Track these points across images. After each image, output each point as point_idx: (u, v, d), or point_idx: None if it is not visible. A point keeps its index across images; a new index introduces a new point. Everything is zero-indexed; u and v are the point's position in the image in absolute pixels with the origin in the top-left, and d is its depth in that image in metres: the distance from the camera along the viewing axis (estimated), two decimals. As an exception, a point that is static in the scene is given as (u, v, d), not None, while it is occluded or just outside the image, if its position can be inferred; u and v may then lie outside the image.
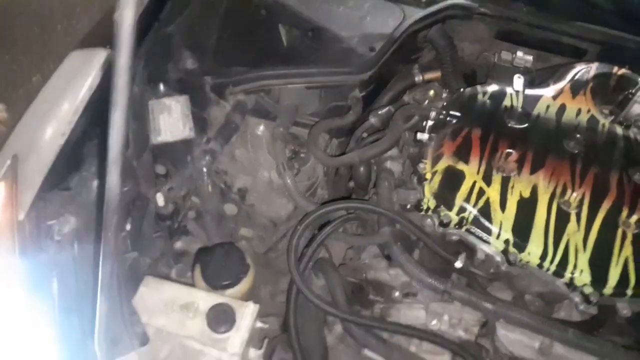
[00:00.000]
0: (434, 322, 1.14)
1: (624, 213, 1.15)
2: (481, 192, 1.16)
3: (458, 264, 1.15)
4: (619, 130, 1.29)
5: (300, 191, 1.36)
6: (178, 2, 1.41)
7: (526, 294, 1.16)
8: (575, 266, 1.09)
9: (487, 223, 1.14)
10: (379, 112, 1.45)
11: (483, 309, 1.11)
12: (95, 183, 1.13)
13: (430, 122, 1.30)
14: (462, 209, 1.15)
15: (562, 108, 1.31)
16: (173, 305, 1.08)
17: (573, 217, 1.14)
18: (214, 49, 1.48)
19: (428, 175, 1.22)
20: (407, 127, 1.37)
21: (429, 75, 1.55)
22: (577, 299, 1.10)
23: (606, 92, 1.37)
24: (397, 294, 1.19)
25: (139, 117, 1.31)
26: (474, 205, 1.15)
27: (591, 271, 1.08)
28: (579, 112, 1.31)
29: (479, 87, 1.36)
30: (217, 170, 1.42)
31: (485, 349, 1.14)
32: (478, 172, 1.19)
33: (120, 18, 0.70)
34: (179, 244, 1.37)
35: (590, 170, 1.20)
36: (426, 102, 1.46)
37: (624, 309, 1.08)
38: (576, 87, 1.35)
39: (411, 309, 1.16)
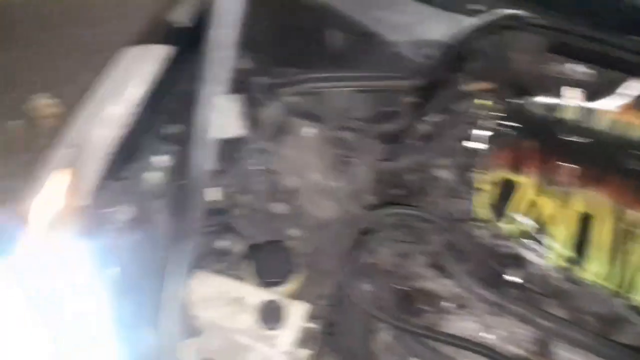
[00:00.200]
0: (486, 335, 1.11)
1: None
2: (537, 205, 1.14)
3: (510, 278, 1.13)
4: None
5: (347, 195, 1.35)
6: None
7: (583, 313, 1.14)
8: None
9: (542, 237, 1.12)
10: (430, 119, 1.44)
11: (539, 325, 1.08)
12: (149, 174, 1.15)
13: (485, 132, 1.29)
14: (516, 221, 1.13)
15: (625, 124, 1.28)
16: (223, 298, 1.08)
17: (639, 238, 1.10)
18: (265, 50, 1.49)
19: (482, 186, 1.20)
20: (459, 135, 1.36)
21: (481, 86, 1.53)
22: None
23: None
24: (446, 304, 1.17)
25: (187, 113, 1.32)
26: (529, 218, 1.13)
27: None
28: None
29: (535, 99, 1.35)
30: (266, 170, 1.42)
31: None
32: (534, 185, 1.17)
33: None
34: (224, 241, 1.37)
35: None
36: (479, 111, 1.44)
37: None
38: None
39: (462, 320, 1.13)
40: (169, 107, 1.22)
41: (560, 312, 1.14)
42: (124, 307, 0.96)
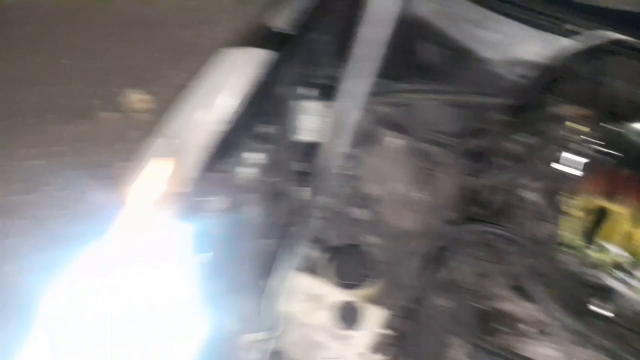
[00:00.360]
0: (567, 364, 1.08)
1: None
2: (631, 236, 1.10)
3: (598, 309, 1.09)
4: None
5: (429, 208, 1.35)
6: (319, 9, 1.46)
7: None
8: None
9: (635, 269, 1.07)
10: (519, 140, 1.41)
11: (628, 361, 1.04)
12: (243, 169, 1.20)
13: (578, 157, 1.26)
14: (608, 251, 1.10)
15: None
16: (303, 294, 1.10)
17: None
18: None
19: (571, 211, 1.17)
20: (549, 158, 1.33)
21: (577, 110, 1.49)
22: None
23: None
24: (526, 327, 1.14)
25: (281, 115, 1.37)
26: (622, 249, 1.09)
27: None
28: None
29: (634, 126, 1.30)
30: (349, 175, 1.44)
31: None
32: (629, 215, 1.13)
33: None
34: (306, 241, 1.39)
35: None
36: (572, 135, 1.41)
37: None
38: None
39: (542, 346, 1.11)
40: (265, 108, 1.27)
41: (649, 351, 1.09)
42: (211, 291, 1.01)
